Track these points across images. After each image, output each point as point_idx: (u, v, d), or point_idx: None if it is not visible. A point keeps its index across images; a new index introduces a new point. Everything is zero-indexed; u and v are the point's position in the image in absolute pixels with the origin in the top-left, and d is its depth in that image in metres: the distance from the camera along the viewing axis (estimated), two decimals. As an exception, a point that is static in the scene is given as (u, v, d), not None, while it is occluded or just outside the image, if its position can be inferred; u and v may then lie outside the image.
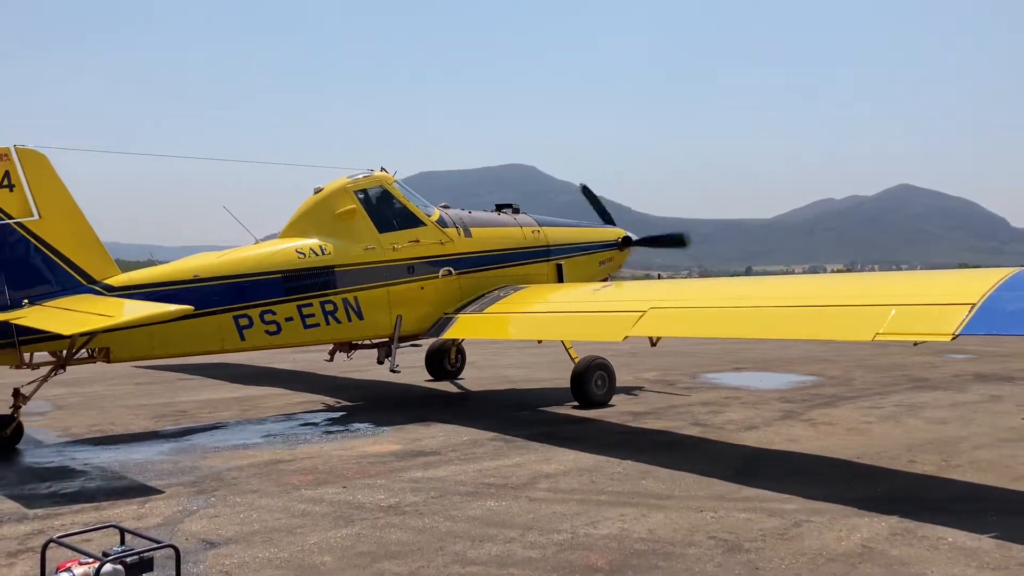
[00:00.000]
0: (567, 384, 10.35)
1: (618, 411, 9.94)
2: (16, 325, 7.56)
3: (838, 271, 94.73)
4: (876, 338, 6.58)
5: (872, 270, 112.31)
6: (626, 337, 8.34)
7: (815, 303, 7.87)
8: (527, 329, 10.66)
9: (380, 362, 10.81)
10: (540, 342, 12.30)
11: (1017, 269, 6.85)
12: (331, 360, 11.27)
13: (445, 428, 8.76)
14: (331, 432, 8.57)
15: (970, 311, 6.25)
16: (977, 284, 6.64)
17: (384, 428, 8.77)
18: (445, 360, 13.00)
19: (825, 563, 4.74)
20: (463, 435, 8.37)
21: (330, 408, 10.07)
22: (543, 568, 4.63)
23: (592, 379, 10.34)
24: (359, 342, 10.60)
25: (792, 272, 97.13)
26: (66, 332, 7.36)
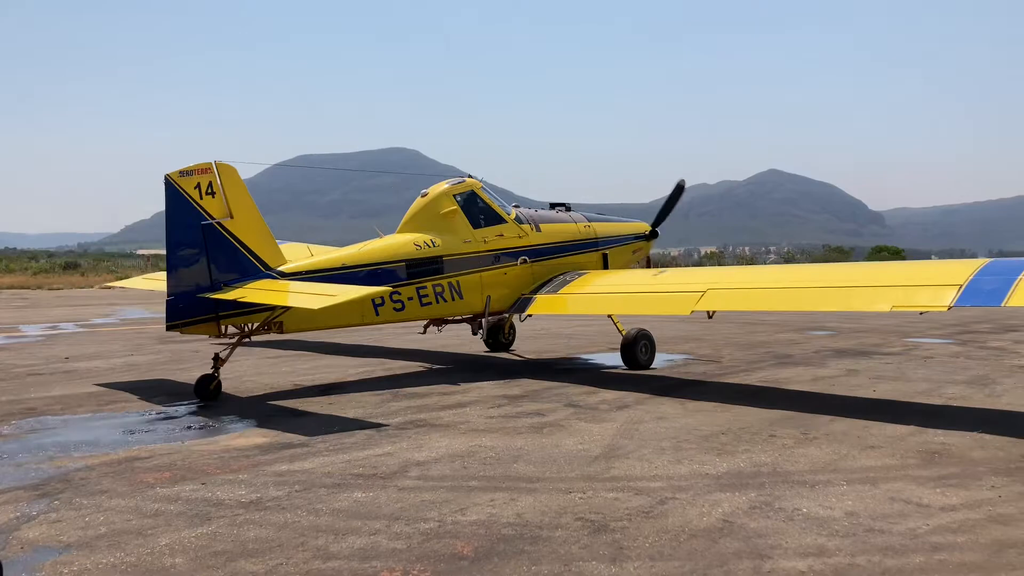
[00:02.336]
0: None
1: (492, 395, 9.91)
2: (217, 300, 9.50)
3: (711, 253, 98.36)
4: (892, 309, 8.74)
5: (743, 252, 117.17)
6: (693, 311, 10.27)
7: (842, 284, 9.96)
8: (602, 306, 12.38)
9: (475, 333, 13.34)
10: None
11: (988, 260, 9.14)
12: (424, 333, 13.12)
13: (317, 419, 8.52)
14: (193, 427, 8.16)
15: (958, 290, 8.35)
16: (962, 270, 8.74)
17: (249, 421, 8.43)
18: (500, 334, 14.99)
19: (687, 539, 4.82)
20: (334, 425, 8.15)
21: (194, 401, 9.61)
22: (407, 559, 4.51)
23: (638, 347, 12.46)
24: (453, 318, 12.64)
25: (669, 254, 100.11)
26: (315, 306, 9.21)
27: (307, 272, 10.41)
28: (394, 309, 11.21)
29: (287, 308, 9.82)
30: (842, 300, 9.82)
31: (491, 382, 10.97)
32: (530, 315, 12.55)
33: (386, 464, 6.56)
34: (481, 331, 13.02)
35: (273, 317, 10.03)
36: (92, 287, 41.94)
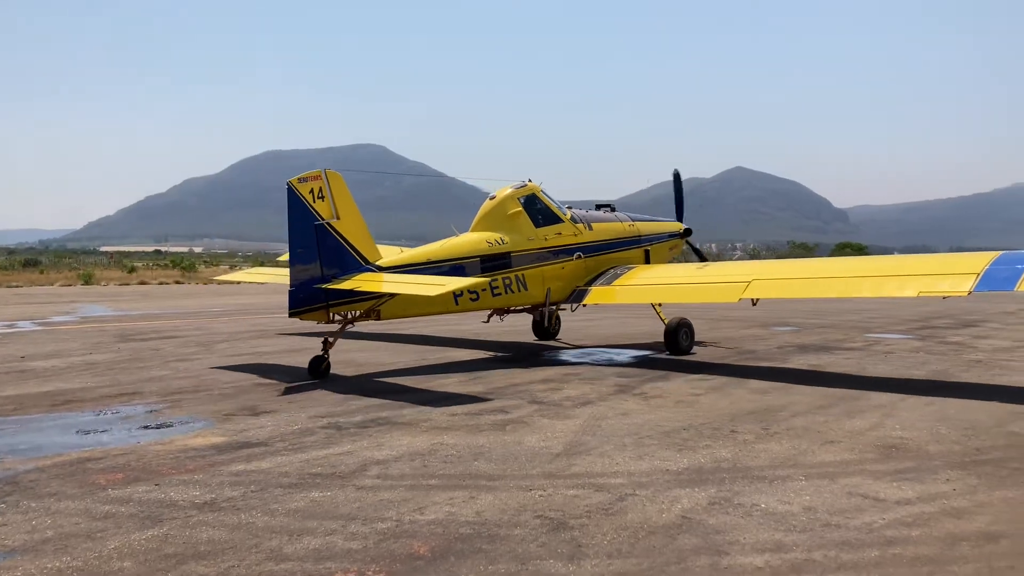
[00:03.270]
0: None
1: (456, 392, 9.85)
2: (327, 289, 10.82)
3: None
4: (919, 294, 10.09)
5: (709, 249, 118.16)
6: (740, 299, 11.57)
7: (874, 274, 11.28)
8: (653, 295, 13.64)
9: (537, 320, 15.43)
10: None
11: (1001, 252, 10.34)
12: (487, 322, 14.86)
13: (275, 418, 8.40)
14: (149, 427, 8.00)
15: (976, 278, 9.66)
16: (978, 261, 10.09)
17: (208, 420, 8.29)
18: (548, 325, 15.80)
19: (646, 536, 4.80)
20: (295, 424, 8.04)
21: (151, 400, 9.43)
22: (362, 559, 4.45)
23: (680, 333, 13.69)
24: (515, 308, 13.89)
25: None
26: (431, 293, 10.75)
27: (400, 266, 11.71)
28: (470, 299, 12.47)
29: (392, 296, 11.18)
30: (875, 287, 11.01)
31: (457, 376, 10.92)
32: (585, 304, 13.80)
33: (345, 463, 6.48)
34: (547, 317, 14.78)
35: (375, 306, 11.33)
36: (53, 284, 41.11)
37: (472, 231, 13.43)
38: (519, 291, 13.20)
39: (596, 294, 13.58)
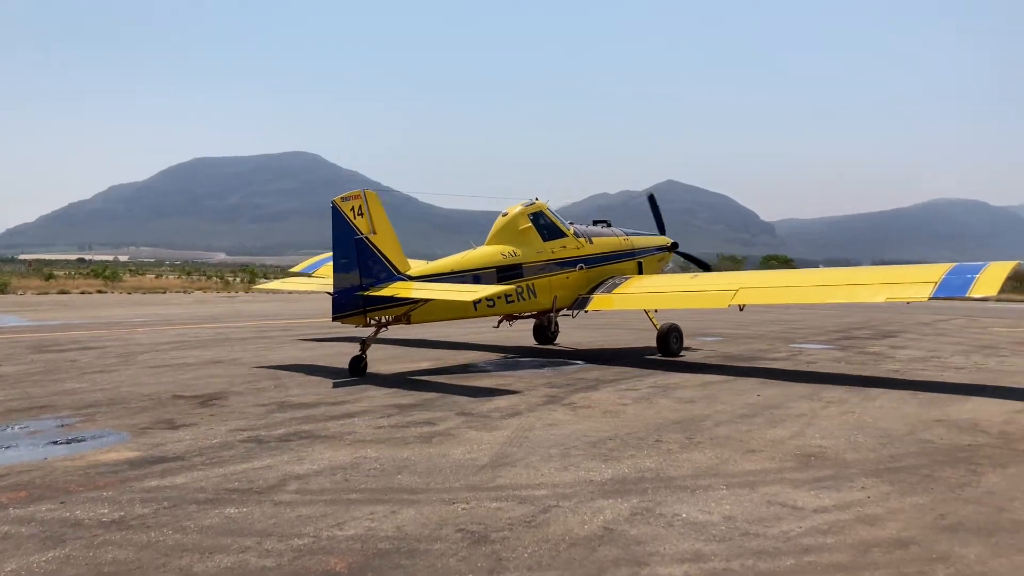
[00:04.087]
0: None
1: (383, 404, 9.72)
2: (365, 296, 12.03)
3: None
4: (887, 299, 11.61)
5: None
6: (729, 305, 12.76)
7: (847, 283, 12.90)
8: (652, 302, 14.88)
9: (544, 325, 17.18)
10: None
11: (954, 264, 11.89)
12: (498, 327, 16.70)
13: (194, 431, 8.14)
14: (59, 442, 7.66)
15: (934, 286, 11.17)
16: (936, 271, 11.70)
17: (122, 434, 7.99)
18: (547, 330, 17.45)
19: (567, 548, 4.78)
20: (214, 437, 7.81)
21: (63, 414, 9.05)
22: (276, 578, 4.32)
23: (671, 337, 15.21)
24: (524, 314, 15.27)
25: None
26: (468, 299, 12.28)
27: (428, 275, 12.93)
28: (487, 305, 13.57)
29: (423, 303, 12.38)
30: (848, 294, 12.61)
31: (382, 390, 10.77)
32: (587, 311, 15.06)
33: (264, 478, 6.30)
34: (552, 323, 16.73)
35: (408, 311, 12.48)
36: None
37: (487, 244, 14.73)
38: (529, 299, 14.51)
39: (598, 301, 14.93)
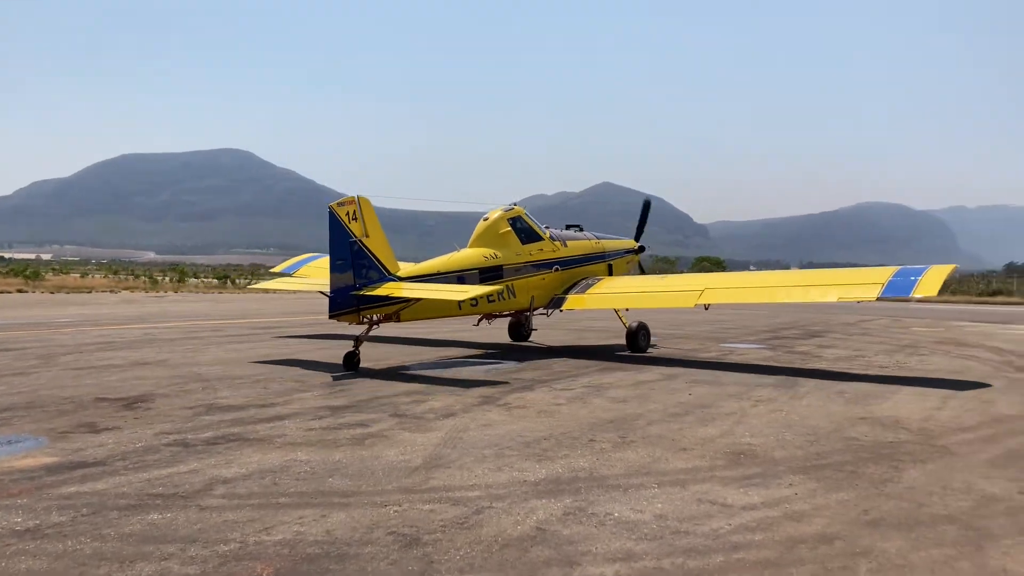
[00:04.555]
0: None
1: (315, 405, 9.56)
2: (359, 295, 12.72)
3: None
4: (839, 299, 12.89)
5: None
6: (695, 305, 13.79)
7: (803, 284, 14.02)
8: (624, 301, 15.88)
9: (522, 322, 17.94)
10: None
11: (899, 267, 13.03)
12: (477, 325, 17.27)
13: (117, 435, 7.87)
14: (-28, 447, 7.33)
15: (881, 287, 12.40)
16: (883, 274, 12.90)
17: (40, 439, 7.69)
18: (522, 328, 18.21)
19: (500, 549, 4.75)
20: (138, 441, 7.57)
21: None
22: (200, 586, 4.19)
23: (639, 335, 16.19)
24: (502, 313, 16.14)
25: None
26: (459, 298, 13.11)
27: (416, 276, 13.66)
28: (471, 305, 14.28)
29: (413, 302, 13.02)
30: (804, 294, 13.59)
31: (313, 393, 10.59)
32: (562, 310, 16.19)
33: (189, 482, 6.13)
34: (529, 321, 17.92)
35: (399, 310, 13.21)
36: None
37: (470, 247, 15.54)
38: (509, 298, 15.40)
39: (572, 301, 15.92)
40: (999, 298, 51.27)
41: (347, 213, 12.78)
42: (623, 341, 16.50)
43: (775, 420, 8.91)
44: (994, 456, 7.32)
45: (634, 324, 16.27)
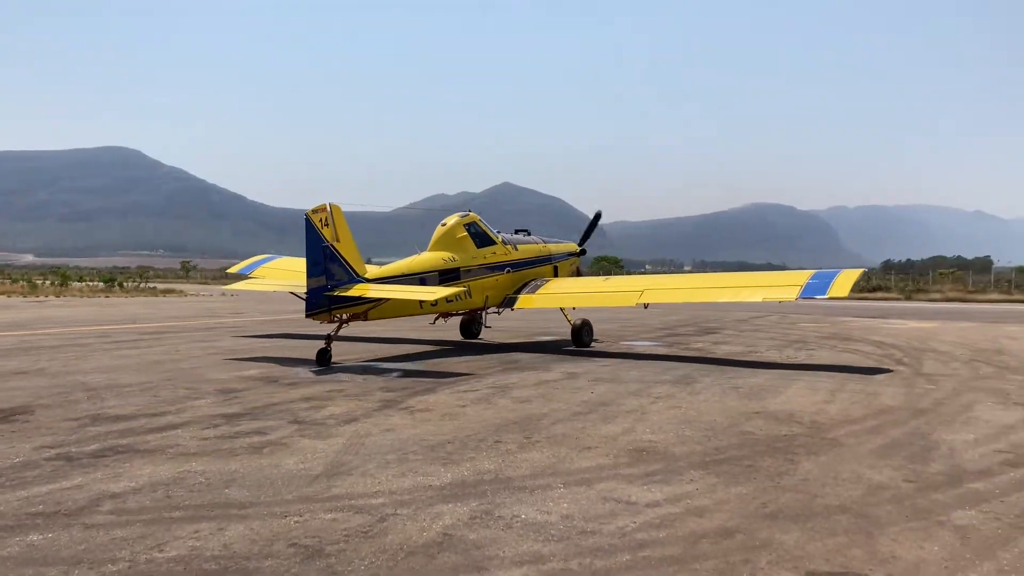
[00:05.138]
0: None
1: (209, 413, 9.20)
2: (331, 296, 13.77)
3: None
4: (763, 299, 14.44)
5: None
6: (636, 304, 15.34)
7: (732, 285, 16.07)
8: (571, 301, 17.19)
9: (470, 322, 19.31)
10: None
11: (815, 271, 14.60)
12: (433, 324, 19.27)
13: (-8, 449, 7.37)
14: None
15: (800, 288, 13.97)
16: (801, 277, 14.55)
17: (-94, 456, 7.12)
18: (472, 326, 19.54)
19: (405, 557, 4.65)
20: (16, 456, 7.10)
21: None
22: (86, 610, 3.95)
23: (583, 331, 17.55)
24: (458, 312, 17.54)
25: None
26: (429, 299, 14.49)
27: (382, 278, 14.82)
28: (431, 304, 15.35)
29: (381, 302, 14.13)
30: (734, 294, 15.32)
31: (207, 400, 10.20)
32: (512, 309, 17.59)
33: (73, 499, 5.77)
34: (483, 320, 19.16)
35: (367, 310, 14.32)
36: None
37: (429, 251, 16.74)
38: (466, 299, 16.53)
39: (523, 300, 17.15)
40: (878, 294, 54.04)
41: (320, 219, 13.76)
42: (569, 337, 17.93)
43: (674, 416, 9.09)
44: (879, 446, 7.66)
45: (578, 321, 17.67)
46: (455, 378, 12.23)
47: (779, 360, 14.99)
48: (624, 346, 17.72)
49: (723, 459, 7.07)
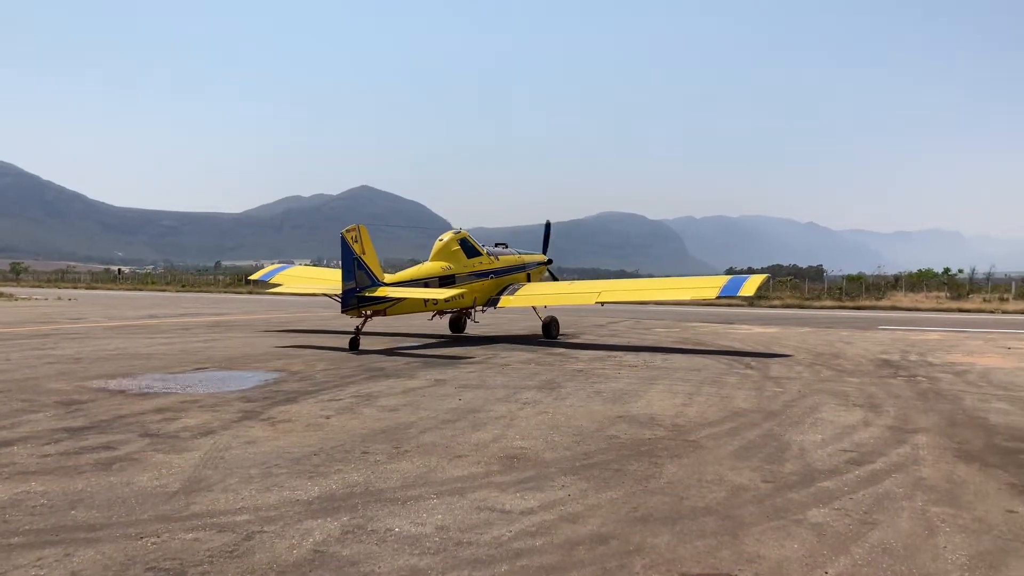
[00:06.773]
0: None
1: (49, 427, 8.51)
2: (359, 296, 17.88)
3: (306, 265, 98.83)
4: (691, 299, 22.98)
5: (336, 266, 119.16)
6: (596, 302, 19.98)
7: (665, 287, 21.81)
8: (543, 300, 21.27)
9: (458, 319, 23.44)
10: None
11: (731, 276, 19.88)
12: (432, 320, 23.09)
13: None
14: None
15: (719, 288, 18.67)
16: (719, 280, 19.49)
17: None
18: (460, 322, 23.46)
19: (276, 577, 4.44)
20: None
21: None
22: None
23: (552, 326, 21.72)
24: (452, 311, 22.25)
25: (262, 266, 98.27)
26: (441, 297, 18.87)
27: (397, 283, 18.91)
28: (433, 304, 19.38)
29: (399, 300, 18.15)
30: (672, 294, 20.83)
31: (46, 413, 9.44)
32: (495, 308, 21.72)
33: None
34: (471, 316, 22.94)
35: (387, 308, 18.19)
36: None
37: (430, 261, 20.86)
38: (459, 300, 20.33)
39: (504, 301, 21.30)
40: (723, 300, 56.76)
41: (351, 236, 17.72)
42: (539, 332, 21.96)
43: (543, 422, 9.16)
44: (737, 448, 7.98)
45: (547, 318, 21.87)
46: (314, 388, 11.87)
47: (637, 364, 15.41)
48: (490, 351, 17.76)
49: (592, 464, 7.17)
